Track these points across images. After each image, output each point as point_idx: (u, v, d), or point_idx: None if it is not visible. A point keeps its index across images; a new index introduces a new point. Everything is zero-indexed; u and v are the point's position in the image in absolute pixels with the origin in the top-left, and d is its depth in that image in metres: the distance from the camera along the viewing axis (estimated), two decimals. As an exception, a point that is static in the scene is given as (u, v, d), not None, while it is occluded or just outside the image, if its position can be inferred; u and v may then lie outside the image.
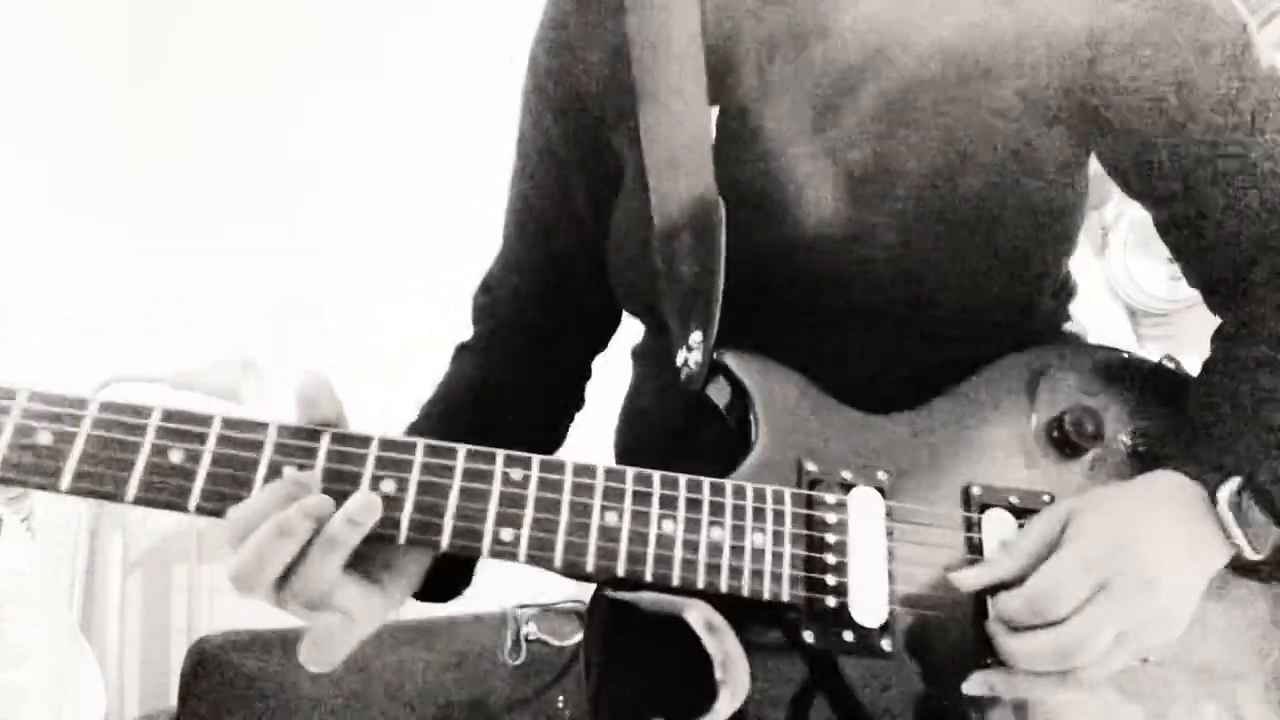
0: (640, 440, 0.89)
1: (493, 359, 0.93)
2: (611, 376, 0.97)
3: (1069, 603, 0.63)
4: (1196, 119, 0.73)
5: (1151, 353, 0.83)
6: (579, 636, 1.69)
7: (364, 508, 0.59)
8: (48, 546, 2.00)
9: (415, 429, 0.85)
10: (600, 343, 0.99)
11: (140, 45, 2.37)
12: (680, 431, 0.81)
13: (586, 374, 0.99)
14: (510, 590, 1.84)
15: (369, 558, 0.62)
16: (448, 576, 0.71)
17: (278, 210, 2.37)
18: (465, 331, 0.97)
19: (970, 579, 0.68)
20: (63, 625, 1.72)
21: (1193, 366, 0.80)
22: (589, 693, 0.87)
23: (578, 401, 0.99)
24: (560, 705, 1.38)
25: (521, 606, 1.81)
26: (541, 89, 0.90)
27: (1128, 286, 2.47)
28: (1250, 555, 0.67)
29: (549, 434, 0.95)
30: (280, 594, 0.60)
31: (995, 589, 0.67)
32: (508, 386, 0.91)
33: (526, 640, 1.59)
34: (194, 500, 0.59)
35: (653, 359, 0.89)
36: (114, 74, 2.35)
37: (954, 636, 0.68)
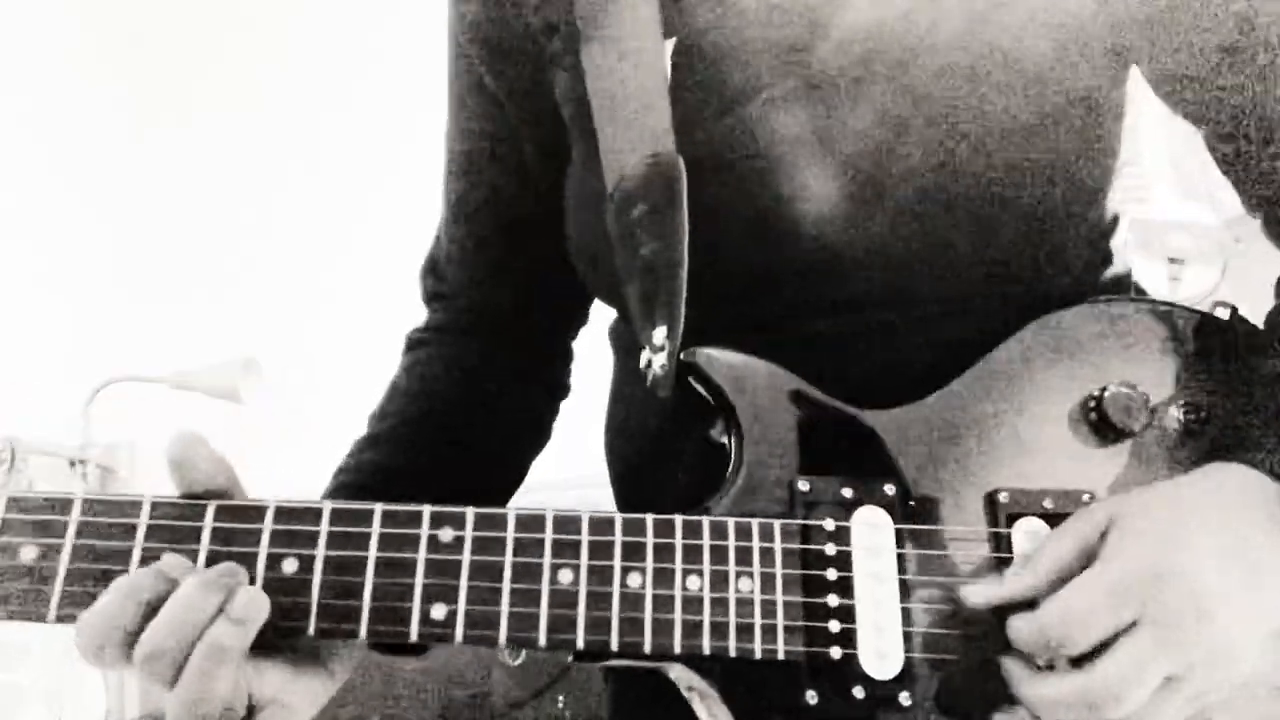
0: (626, 444, 0.78)
1: (453, 351, 0.82)
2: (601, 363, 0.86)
3: (1091, 633, 0.52)
4: (1252, 33, 0.62)
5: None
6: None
7: (249, 604, 0.49)
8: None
9: (374, 439, 0.75)
10: (576, 320, 0.87)
11: (144, 45, 2.36)
12: (664, 433, 0.70)
13: (567, 356, 0.88)
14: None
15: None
16: None
17: (283, 208, 2.35)
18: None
19: (980, 594, 0.57)
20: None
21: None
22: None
23: (561, 388, 0.88)
24: (560, 705, 1.32)
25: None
26: (462, 24, 0.77)
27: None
28: None
29: (529, 428, 0.85)
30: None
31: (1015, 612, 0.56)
32: (474, 380, 0.80)
33: (524, 640, 1.53)
34: (54, 607, 0.48)
35: (628, 343, 0.77)
36: (117, 72, 2.35)
37: (983, 681, 0.57)
